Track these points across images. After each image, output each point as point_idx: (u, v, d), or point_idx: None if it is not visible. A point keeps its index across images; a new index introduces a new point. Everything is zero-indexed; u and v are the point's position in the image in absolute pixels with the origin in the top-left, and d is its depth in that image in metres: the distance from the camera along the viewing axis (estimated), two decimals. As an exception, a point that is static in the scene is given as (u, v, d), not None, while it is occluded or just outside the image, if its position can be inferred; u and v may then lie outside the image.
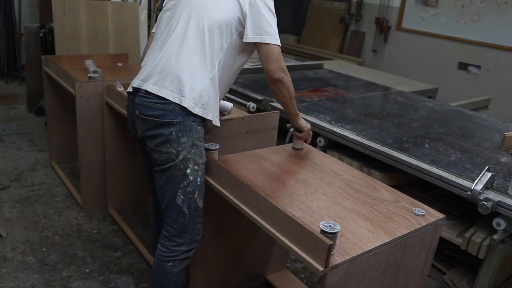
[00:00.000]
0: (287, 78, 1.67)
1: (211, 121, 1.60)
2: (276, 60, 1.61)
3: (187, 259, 1.69)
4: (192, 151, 1.56)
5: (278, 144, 2.11)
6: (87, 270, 2.25)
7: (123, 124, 2.48)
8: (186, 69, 1.55)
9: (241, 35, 1.61)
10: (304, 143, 1.95)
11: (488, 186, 1.85)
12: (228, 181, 1.55)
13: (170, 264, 1.65)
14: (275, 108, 2.74)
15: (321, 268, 1.14)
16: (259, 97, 2.92)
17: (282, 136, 2.61)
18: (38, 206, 2.79)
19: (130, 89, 1.66)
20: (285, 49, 6.61)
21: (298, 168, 1.74)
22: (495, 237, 1.81)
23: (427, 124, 2.68)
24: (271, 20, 1.60)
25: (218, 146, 1.70)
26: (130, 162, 2.70)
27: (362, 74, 4.17)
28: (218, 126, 1.65)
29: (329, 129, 2.47)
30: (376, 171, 2.32)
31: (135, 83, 1.62)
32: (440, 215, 1.46)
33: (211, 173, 1.64)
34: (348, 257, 1.18)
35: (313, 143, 2.52)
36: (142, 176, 2.80)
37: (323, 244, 1.12)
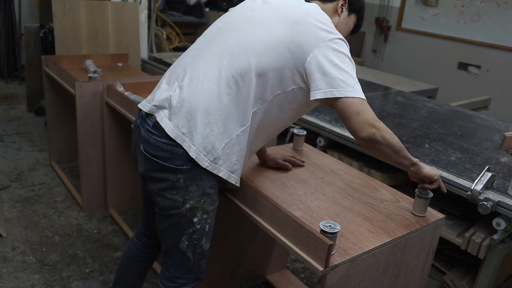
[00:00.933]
0: (380, 132, 1.26)
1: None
2: (356, 113, 1.25)
3: None
4: (202, 200, 1.36)
5: (278, 144, 2.11)
6: (87, 270, 2.25)
7: (123, 124, 2.48)
8: (206, 111, 1.28)
9: (295, 90, 1.34)
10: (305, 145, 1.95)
11: (488, 186, 1.85)
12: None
13: None
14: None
15: (321, 268, 1.14)
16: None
17: (282, 136, 2.61)
18: (38, 206, 2.79)
19: (141, 108, 1.42)
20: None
21: (298, 168, 1.74)
22: (495, 237, 1.81)
23: (427, 124, 2.68)
24: (347, 68, 1.28)
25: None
26: (130, 162, 2.70)
27: (362, 74, 4.17)
28: (237, 187, 1.41)
29: (329, 129, 2.47)
30: (376, 171, 2.32)
31: (147, 107, 1.38)
32: (440, 215, 1.46)
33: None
34: (348, 257, 1.18)
35: (313, 143, 2.52)
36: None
37: (323, 244, 1.12)
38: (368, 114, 1.26)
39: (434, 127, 2.64)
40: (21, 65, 5.26)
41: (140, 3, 3.93)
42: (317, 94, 1.26)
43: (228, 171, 1.34)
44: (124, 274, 1.77)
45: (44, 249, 2.38)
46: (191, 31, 5.84)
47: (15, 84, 5.33)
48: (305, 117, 2.59)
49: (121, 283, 1.78)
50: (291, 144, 1.96)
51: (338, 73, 1.25)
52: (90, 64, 2.90)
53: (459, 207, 2.16)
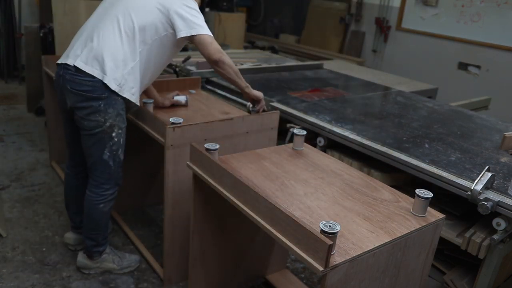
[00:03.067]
0: (225, 57, 1.93)
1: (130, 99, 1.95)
2: (210, 43, 1.90)
3: (113, 200, 2.13)
4: (118, 119, 1.94)
5: (278, 144, 2.11)
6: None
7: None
8: (110, 54, 1.88)
9: (167, 35, 1.94)
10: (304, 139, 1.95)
11: (488, 186, 1.85)
12: (228, 181, 1.54)
13: (102, 205, 2.08)
14: (275, 108, 2.74)
15: (321, 268, 1.14)
16: (259, 97, 2.92)
17: (282, 136, 2.62)
18: (38, 206, 2.79)
19: (60, 61, 1.96)
20: (285, 49, 6.61)
21: (298, 168, 1.74)
22: (495, 237, 1.81)
23: (427, 124, 2.68)
24: (197, 16, 1.92)
25: (218, 146, 1.70)
26: (130, 162, 2.70)
27: (362, 74, 4.17)
28: (138, 105, 2.03)
29: (329, 129, 2.47)
30: (376, 171, 2.32)
31: (69, 59, 1.92)
32: (440, 215, 1.46)
33: (211, 173, 1.64)
34: (348, 257, 1.18)
35: (313, 143, 2.52)
36: (142, 176, 2.81)
37: (323, 244, 1.12)
38: (217, 45, 1.92)
39: (434, 127, 2.64)
40: (21, 65, 5.26)
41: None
42: (181, 33, 1.89)
43: (129, 93, 1.93)
44: (70, 198, 2.33)
45: (44, 249, 2.38)
46: (191, 31, 5.82)
47: (15, 84, 5.33)
48: (305, 117, 2.59)
49: (71, 205, 2.33)
50: (291, 144, 1.96)
51: (192, 18, 1.90)
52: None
53: (459, 207, 2.17)
